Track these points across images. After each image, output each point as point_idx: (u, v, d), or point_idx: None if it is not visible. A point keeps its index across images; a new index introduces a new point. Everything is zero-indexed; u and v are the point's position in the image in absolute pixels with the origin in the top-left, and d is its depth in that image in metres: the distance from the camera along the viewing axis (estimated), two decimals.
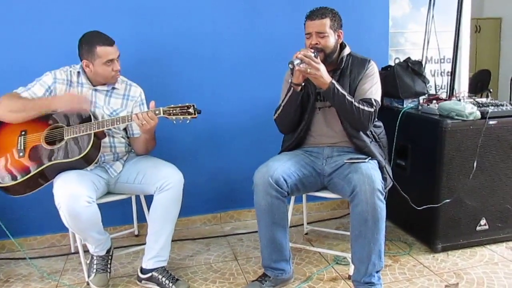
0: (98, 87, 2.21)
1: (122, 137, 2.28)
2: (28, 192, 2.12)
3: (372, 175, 1.89)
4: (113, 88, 2.24)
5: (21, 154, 2.10)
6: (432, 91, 2.86)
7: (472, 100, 2.48)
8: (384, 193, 1.91)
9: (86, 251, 2.24)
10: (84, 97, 2.10)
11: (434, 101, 2.55)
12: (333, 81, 2.01)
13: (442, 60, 3.12)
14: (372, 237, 1.90)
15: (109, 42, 2.12)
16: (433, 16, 2.78)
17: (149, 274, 2.14)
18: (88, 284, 2.19)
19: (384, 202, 1.90)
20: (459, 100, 2.47)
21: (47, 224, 2.63)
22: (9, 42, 2.47)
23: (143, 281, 2.17)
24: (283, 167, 2.03)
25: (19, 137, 2.12)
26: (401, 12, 3.05)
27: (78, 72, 2.20)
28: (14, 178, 2.06)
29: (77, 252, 2.28)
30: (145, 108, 2.30)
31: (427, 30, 2.83)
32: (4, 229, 2.27)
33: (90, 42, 2.11)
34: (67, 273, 2.38)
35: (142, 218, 2.53)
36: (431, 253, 2.42)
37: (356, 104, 2.03)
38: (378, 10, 2.97)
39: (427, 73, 2.93)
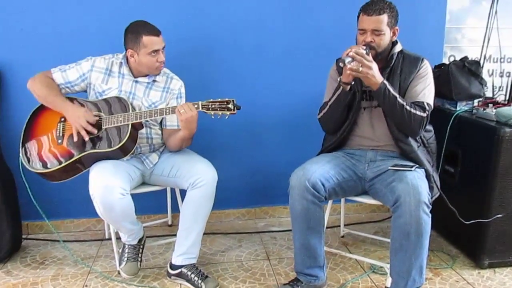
0: (139, 79, 2.17)
1: (159, 128, 2.25)
2: (64, 179, 2.14)
3: (418, 186, 1.76)
4: (154, 81, 2.19)
5: (59, 141, 2.10)
6: (489, 93, 2.64)
7: None
8: (430, 206, 1.77)
9: (118, 238, 2.25)
10: (88, 129, 2.03)
11: (491, 105, 2.35)
12: (385, 81, 1.88)
13: (502, 60, 2.88)
14: (413, 252, 1.77)
15: (156, 32, 2.08)
16: (496, 11, 2.55)
17: (179, 270, 2.11)
18: (119, 272, 2.19)
19: (430, 215, 1.76)
20: None
21: (84, 208, 2.62)
22: (55, 28, 2.48)
23: (172, 277, 2.15)
24: (321, 170, 1.93)
25: (59, 124, 2.13)
26: (460, 6, 2.81)
27: (121, 63, 2.17)
28: (49, 165, 2.07)
29: (111, 238, 2.29)
30: (183, 101, 2.25)
31: (489, 26, 2.60)
32: (40, 212, 2.30)
33: (136, 31, 2.07)
34: (100, 259, 2.40)
35: (176, 208, 2.50)
36: (476, 268, 2.26)
37: (408, 108, 1.89)
38: (435, 2, 2.76)
39: (485, 73, 2.71)
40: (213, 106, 1.97)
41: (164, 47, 2.11)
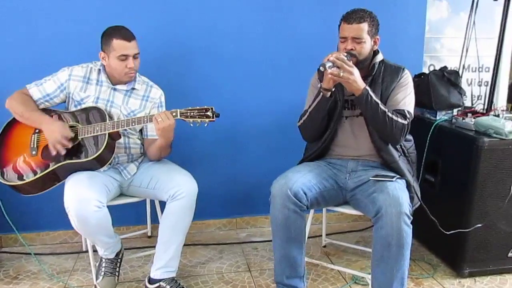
0: (118, 87, 2.13)
1: (137, 138, 2.20)
2: (37, 192, 2.07)
3: (399, 197, 1.75)
4: (133, 89, 2.16)
5: (33, 152, 2.04)
6: (468, 103, 2.67)
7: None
8: (411, 217, 1.76)
9: (95, 251, 2.17)
10: (63, 144, 1.98)
11: (470, 115, 2.37)
12: (367, 87, 1.87)
13: (481, 69, 2.92)
14: (395, 263, 1.76)
15: (128, 37, 2.04)
16: (474, 22, 2.59)
17: (157, 284, 2.05)
18: (95, 287, 2.13)
19: (411, 226, 1.76)
20: (498, 115, 2.29)
21: (60, 220, 2.48)
22: (32, 36, 2.42)
23: None
24: (303, 179, 1.91)
25: (33, 135, 2.08)
26: (439, 16, 2.86)
27: (99, 70, 2.13)
28: (24, 177, 2.01)
29: (88, 251, 2.22)
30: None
31: (467, 36, 2.63)
32: (10, 224, 2.22)
33: (109, 34, 2.05)
34: (76, 273, 2.33)
35: (156, 219, 2.44)
36: (457, 277, 2.26)
37: (390, 115, 1.89)
38: (414, 12, 2.79)
39: (464, 82, 2.74)
40: (192, 113, 1.94)
41: (137, 54, 2.07)
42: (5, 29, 2.40)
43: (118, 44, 2.02)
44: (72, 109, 2.11)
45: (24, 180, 2.00)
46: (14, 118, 2.11)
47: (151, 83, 2.22)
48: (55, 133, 1.96)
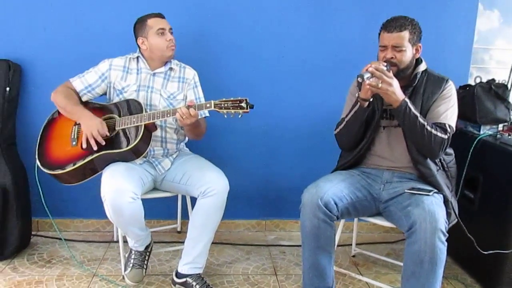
0: (157, 71, 2.19)
1: (174, 132, 2.23)
2: (78, 182, 2.12)
3: (435, 212, 1.68)
4: (171, 69, 2.22)
5: (73, 143, 2.10)
6: None
7: None
8: (446, 234, 1.69)
9: (126, 242, 2.21)
10: (96, 136, 2.02)
11: None
12: (406, 99, 1.82)
13: None
14: (426, 281, 1.69)
15: (159, 14, 2.17)
16: None
17: (184, 279, 2.07)
18: (123, 277, 2.16)
19: (446, 244, 1.69)
20: None
21: (94, 209, 2.59)
22: (78, 26, 2.51)
23: (177, 285, 2.11)
24: (334, 188, 1.87)
25: (74, 126, 2.14)
26: (489, 26, 2.74)
27: (137, 57, 2.20)
28: (63, 167, 2.06)
29: (118, 241, 2.26)
30: (199, 91, 2.28)
31: None
32: (46, 209, 2.30)
33: (142, 19, 2.16)
34: (106, 262, 2.38)
35: (186, 215, 2.48)
36: None
37: (429, 128, 1.83)
38: (463, 22, 2.68)
39: None
40: (226, 105, 1.94)
41: (171, 29, 2.17)
42: (52, 25, 2.48)
43: (153, 21, 2.13)
44: (115, 99, 2.17)
45: (65, 169, 2.06)
46: (57, 110, 2.19)
47: (183, 64, 2.29)
48: (92, 128, 2.01)
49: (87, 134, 2.02)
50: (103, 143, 2.03)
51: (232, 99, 1.95)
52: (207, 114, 2.21)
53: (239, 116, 1.94)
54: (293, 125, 2.70)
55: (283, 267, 2.41)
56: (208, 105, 1.96)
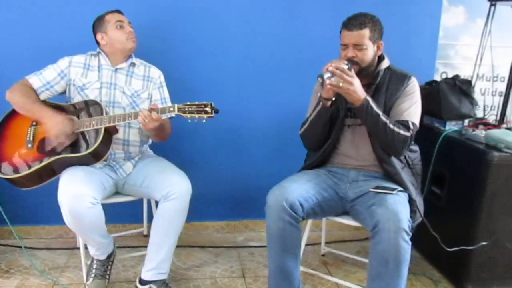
0: (118, 66, 2.12)
1: (138, 133, 2.15)
2: (34, 186, 2.04)
3: (398, 211, 1.66)
4: (133, 65, 2.15)
5: (29, 145, 2.01)
6: (480, 113, 2.56)
7: None
8: (410, 234, 1.67)
9: (88, 248, 2.14)
10: (67, 134, 1.95)
11: (481, 126, 2.27)
12: (368, 98, 1.79)
13: (495, 79, 2.81)
14: (391, 281, 1.68)
15: (117, 10, 2.13)
16: (490, 30, 2.48)
17: (147, 286, 2.01)
18: (85, 287, 2.09)
19: (410, 243, 1.67)
20: (510, 129, 2.19)
21: (56, 214, 2.48)
22: (31, 29, 2.39)
23: None
24: (300, 189, 1.83)
25: (30, 128, 2.05)
26: (454, 22, 2.75)
27: (98, 53, 2.13)
28: (19, 170, 1.97)
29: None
30: (165, 91, 2.21)
31: (482, 44, 2.53)
32: (3, 216, 2.20)
33: (100, 16, 2.12)
34: (68, 269, 2.30)
35: (152, 219, 2.40)
36: None
37: (391, 126, 1.81)
38: (428, 17, 2.68)
39: (477, 91, 2.64)
40: (190, 109, 1.88)
41: (129, 23, 2.12)
42: (4, 21, 2.37)
43: (110, 16, 2.08)
44: (76, 97, 2.08)
45: (19, 173, 1.97)
46: (12, 110, 2.08)
47: (148, 64, 2.22)
48: (59, 125, 1.92)
49: (54, 132, 1.92)
50: (68, 143, 1.94)
51: (196, 103, 1.88)
52: (173, 115, 2.13)
53: (204, 121, 1.88)
54: (260, 124, 2.66)
55: (251, 269, 2.37)
56: (171, 109, 1.89)
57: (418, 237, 1.75)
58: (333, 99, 1.87)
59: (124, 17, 2.11)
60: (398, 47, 2.49)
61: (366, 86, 1.87)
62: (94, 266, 2.07)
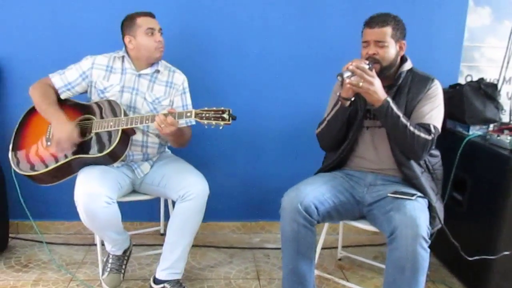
0: (142, 72, 2.10)
1: (157, 136, 2.15)
2: (52, 182, 2.07)
3: (417, 218, 1.62)
4: (157, 71, 2.12)
5: (48, 143, 2.03)
6: (506, 118, 2.48)
7: None
8: (428, 241, 1.62)
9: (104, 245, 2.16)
10: (70, 142, 1.95)
11: (507, 131, 2.20)
12: (388, 99, 1.75)
13: None
14: None
15: (150, 13, 2.08)
16: None
17: (161, 285, 2.01)
18: (101, 282, 2.11)
19: (428, 251, 1.62)
20: None
21: (76, 210, 2.56)
22: (57, 21, 2.43)
23: None
24: (315, 192, 1.81)
25: (50, 125, 2.06)
26: (480, 23, 2.67)
27: (123, 57, 2.10)
28: (36, 168, 2.00)
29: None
30: (187, 98, 2.19)
31: (509, 46, 2.45)
32: (25, 210, 2.23)
33: (131, 17, 2.07)
34: (85, 265, 2.32)
35: (169, 217, 2.41)
36: None
37: (411, 129, 1.76)
38: (453, 19, 2.61)
39: (503, 95, 2.55)
40: (207, 115, 1.86)
41: (160, 30, 2.08)
42: (30, 18, 2.41)
43: (142, 20, 2.03)
44: (96, 98, 2.09)
45: (36, 171, 2.00)
46: (33, 107, 2.11)
47: (173, 68, 2.19)
48: (62, 134, 1.93)
49: (55, 138, 1.95)
50: (70, 151, 1.96)
51: (214, 108, 1.85)
52: (193, 123, 2.09)
53: (220, 127, 1.84)
54: (278, 126, 2.64)
55: (266, 271, 2.36)
56: (188, 114, 1.87)
57: (438, 244, 1.69)
58: (352, 99, 1.83)
59: (156, 23, 2.07)
60: (422, 49, 2.45)
61: (387, 88, 1.83)
62: (110, 261, 2.08)
